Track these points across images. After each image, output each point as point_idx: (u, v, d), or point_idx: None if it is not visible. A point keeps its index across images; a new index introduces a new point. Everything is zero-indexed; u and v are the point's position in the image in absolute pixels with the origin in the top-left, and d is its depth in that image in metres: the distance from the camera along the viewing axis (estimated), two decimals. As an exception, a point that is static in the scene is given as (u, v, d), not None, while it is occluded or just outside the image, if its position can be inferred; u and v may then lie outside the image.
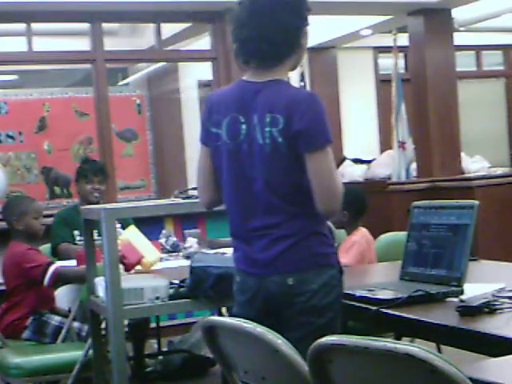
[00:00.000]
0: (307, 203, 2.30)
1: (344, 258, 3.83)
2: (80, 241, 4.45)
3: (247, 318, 2.40)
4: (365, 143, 8.74)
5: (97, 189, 4.60)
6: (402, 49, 7.69)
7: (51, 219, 4.64)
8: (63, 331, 3.86)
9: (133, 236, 3.73)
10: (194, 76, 7.88)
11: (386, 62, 8.43)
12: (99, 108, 6.41)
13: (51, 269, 3.84)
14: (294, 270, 2.31)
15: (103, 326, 3.37)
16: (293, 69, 2.44)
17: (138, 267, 3.77)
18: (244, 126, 2.33)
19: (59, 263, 4.13)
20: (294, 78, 8.53)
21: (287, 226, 2.31)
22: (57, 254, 4.48)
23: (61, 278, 3.90)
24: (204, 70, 7.09)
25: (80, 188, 4.68)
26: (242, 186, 2.37)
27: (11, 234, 4.13)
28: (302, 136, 2.25)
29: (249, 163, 2.33)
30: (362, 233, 4.05)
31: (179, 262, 3.88)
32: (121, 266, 3.57)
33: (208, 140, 2.44)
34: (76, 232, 4.56)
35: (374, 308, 2.27)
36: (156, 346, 4.96)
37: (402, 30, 7.56)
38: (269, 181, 2.31)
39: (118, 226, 4.01)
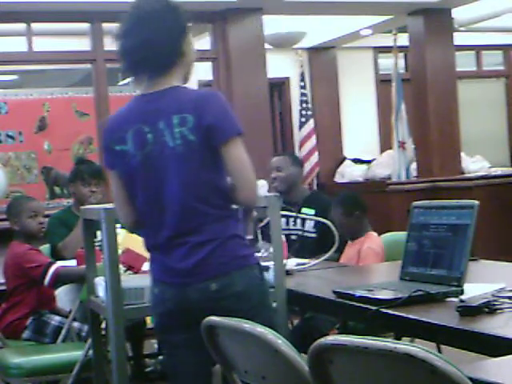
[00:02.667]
0: (225, 205, 2.33)
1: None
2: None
3: (167, 330, 2.41)
4: (365, 143, 8.74)
5: (94, 191, 4.53)
6: (401, 49, 7.70)
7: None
8: (63, 331, 3.86)
9: (129, 242, 3.71)
10: (194, 76, 7.87)
11: (386, 62, 8.44)
12: (99, 108, 6.42)
13: (52, 269, 3.84)
14: (216, 274, 2.30)
15: (103, 326, 3.37)
16: (185, 79, 2.48)
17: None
18: (150, 135, 2.33)
19: (60, 263, 4.13)
20: (294, 77, 8.56)
21: (205, 232, 2.31)
22: (56, 254, 4.46)
23: (62, 278, 3.90)
24: (204, 70, 7.10)
25: (76, 190, 4.55)
26: (155, 195, 2.34)
27: (13, 234, 4.14)
28: (213, 129, 2.27)
29: (161, 170, 2.32)
30: (378, 241, 3.97)
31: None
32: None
33: (114, 161, 2.41)
34: None
35: (374, 308, 2.27)
36: (156, 346, 4.96)
37: (402, 29, 7.57)
38: (185, 182, 2.30)
39: (118, 226, 4.01)
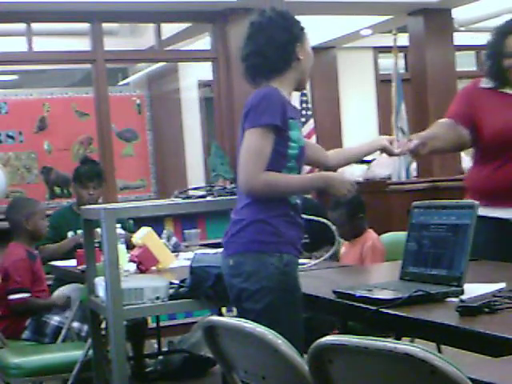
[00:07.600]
0: None
1: (368, 262, 3.82)
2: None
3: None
4: (365, 143, 8.73)
5: (91, 194, 4.58)
6: (401, 49, 7.69)
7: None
8: (63, 331, 3.86)
9: (150, 240, 3.74)
10: (194, 76, 7.88)
11: (386, 62, 8.43)
12: (99, 108, 6.41)
13: (18, 296, 3.86)
14: (235, 252, 2.52)
15: (103, 325, 3.37)
16: (299, 85, 2.65)
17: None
18: None
19: (59, 263, 4.15)
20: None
21: (241, 212, 2.54)
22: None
23: (24, 308, 3.91)
24: (204, 70, 7.09)
25: (76, 191, 4.70)
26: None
27: (14, 234, 4.12)
28: (245, 117, 2.50)
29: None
30: (378, 239, 3.99)
31: (179, 262, 3.88)
32: (133, 265, 3.61)
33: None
34: (70, 233, 4.53)
35: (374, 308, 2.27)
36: (156, 345, 4.96)
37: (402, 30, 7.56)
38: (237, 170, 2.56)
39: (118, 225, 4.01)
